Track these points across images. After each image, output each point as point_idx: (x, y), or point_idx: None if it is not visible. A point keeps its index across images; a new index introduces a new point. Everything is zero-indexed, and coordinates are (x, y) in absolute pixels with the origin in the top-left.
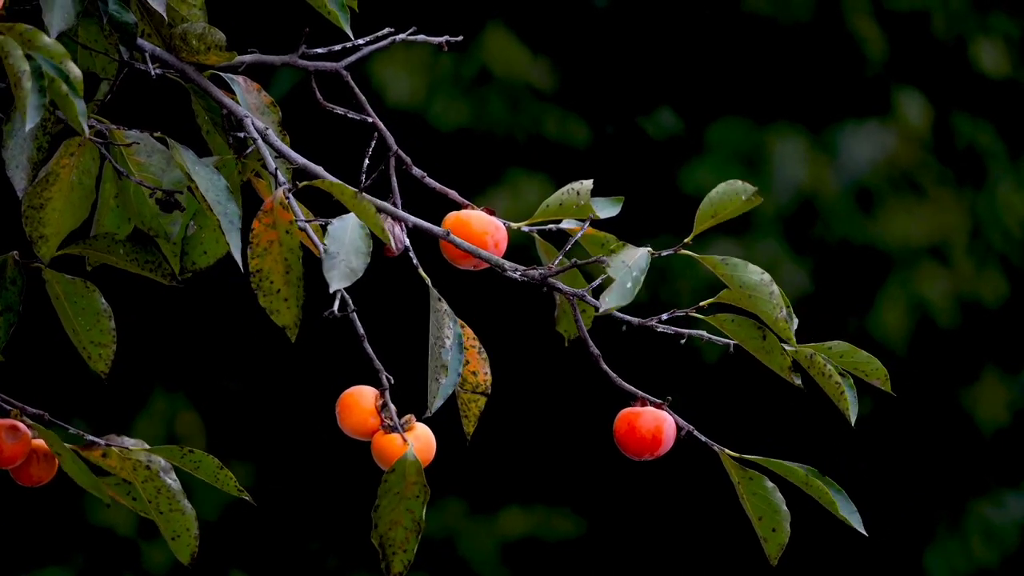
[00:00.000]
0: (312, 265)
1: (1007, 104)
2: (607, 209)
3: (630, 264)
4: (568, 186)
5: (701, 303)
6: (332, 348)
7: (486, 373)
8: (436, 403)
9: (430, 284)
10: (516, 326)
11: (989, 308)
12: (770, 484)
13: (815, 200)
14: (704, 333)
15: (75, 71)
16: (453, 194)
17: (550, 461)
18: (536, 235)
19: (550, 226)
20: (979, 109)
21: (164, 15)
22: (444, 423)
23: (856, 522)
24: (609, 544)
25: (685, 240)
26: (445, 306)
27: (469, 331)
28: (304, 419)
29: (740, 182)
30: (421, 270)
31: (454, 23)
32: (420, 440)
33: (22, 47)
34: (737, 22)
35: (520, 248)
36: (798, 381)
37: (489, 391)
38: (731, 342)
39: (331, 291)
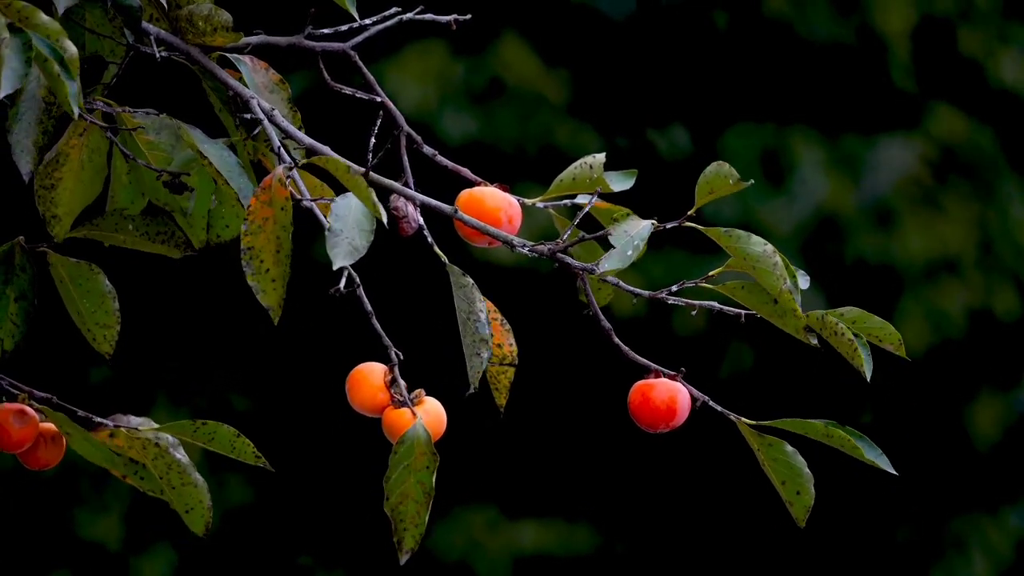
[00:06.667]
0: (316, 266)
1: (1018, 116)
2: (620, 182)
3: (632, 233)
4: (581, 160)
5: (710, 273)
6: (330, 356)
7: (511, 344)
8: (478, 377)
9: (447, 261)
10: (536, 304)
11: (1002, 322)
12: (790, 448)
13: (835, 217)
14: (715, 304)
15: (71, 50)
16: (466, 172)
17: (564, 452)
18: (552, 210)
19: (565, 201)
20: (994, 121)
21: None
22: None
23: (884, 464)
24: (625, 543)
25: (688, 213)
26: (470, 281)
27: (490, 304)
28: (302, 427)
29: (727, 165)
30: (437, 248)
31: (468, 32)
32: (430, 414)
33: (21, 24)
34: (755, 35)
35: (550, 227)
36: (814, 341)
37: (516, 362)
38: (743, 311)
39: (335, 268)
